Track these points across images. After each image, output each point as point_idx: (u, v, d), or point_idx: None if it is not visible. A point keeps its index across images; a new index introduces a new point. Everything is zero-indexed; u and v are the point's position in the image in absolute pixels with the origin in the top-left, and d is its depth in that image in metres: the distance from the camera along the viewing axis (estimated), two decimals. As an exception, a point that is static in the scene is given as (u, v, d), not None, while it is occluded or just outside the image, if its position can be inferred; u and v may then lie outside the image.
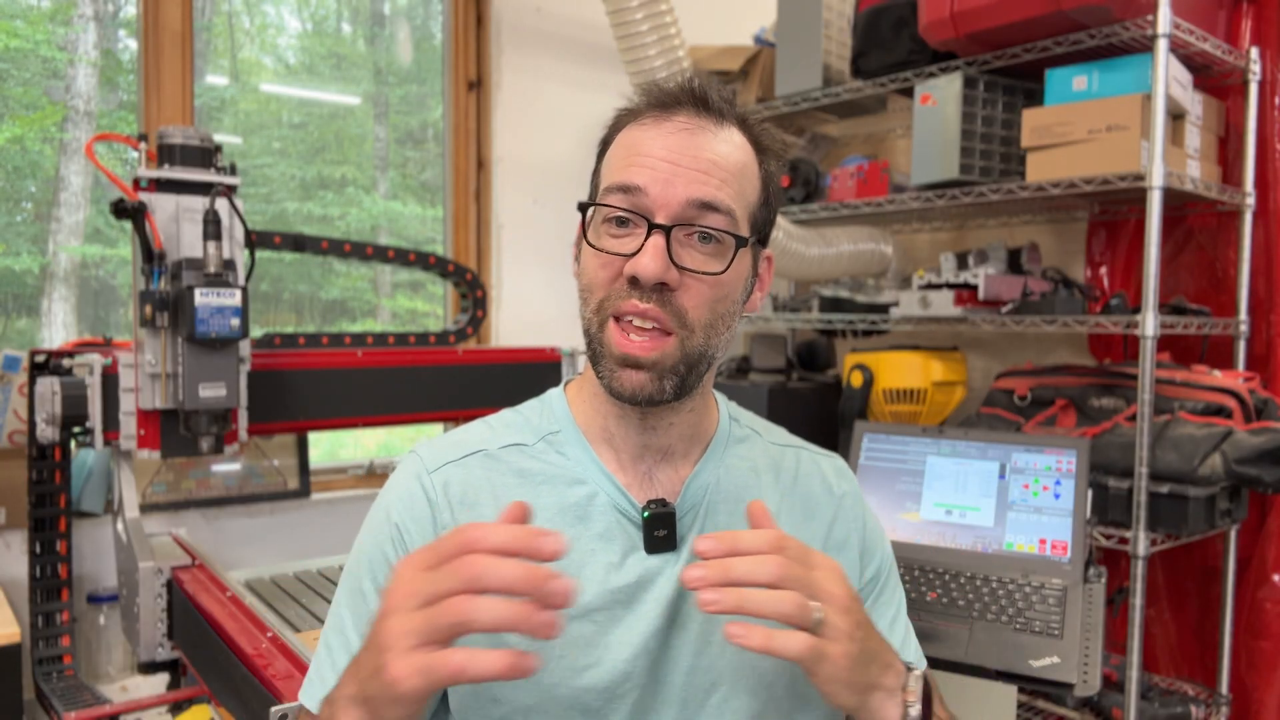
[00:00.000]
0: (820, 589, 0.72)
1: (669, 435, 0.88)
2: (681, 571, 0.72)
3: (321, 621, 1.40)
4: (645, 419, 0.86)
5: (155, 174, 1.58)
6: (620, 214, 0.81)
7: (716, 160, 0.81)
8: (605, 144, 0.88)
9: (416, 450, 0.89)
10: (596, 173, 0.88)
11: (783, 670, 0.85)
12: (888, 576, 0.98)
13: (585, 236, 0.85)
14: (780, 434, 1.01)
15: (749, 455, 0.94)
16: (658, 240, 0.78)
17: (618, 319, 0.81)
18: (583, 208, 0.85)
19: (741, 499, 0.89)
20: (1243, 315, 1.92)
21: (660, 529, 0.84)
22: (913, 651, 0.97)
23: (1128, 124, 1.69)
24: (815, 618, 0.69)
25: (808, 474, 0.96)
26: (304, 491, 2.21)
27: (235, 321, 1.55)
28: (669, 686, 0.83)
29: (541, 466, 0.87)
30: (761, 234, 0.88)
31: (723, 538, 0.70)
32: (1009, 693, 1.51)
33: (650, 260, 0.78)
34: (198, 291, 1.51)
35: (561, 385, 0.95)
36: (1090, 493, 1.62)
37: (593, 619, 0.82)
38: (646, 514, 0.84)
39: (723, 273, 0.81)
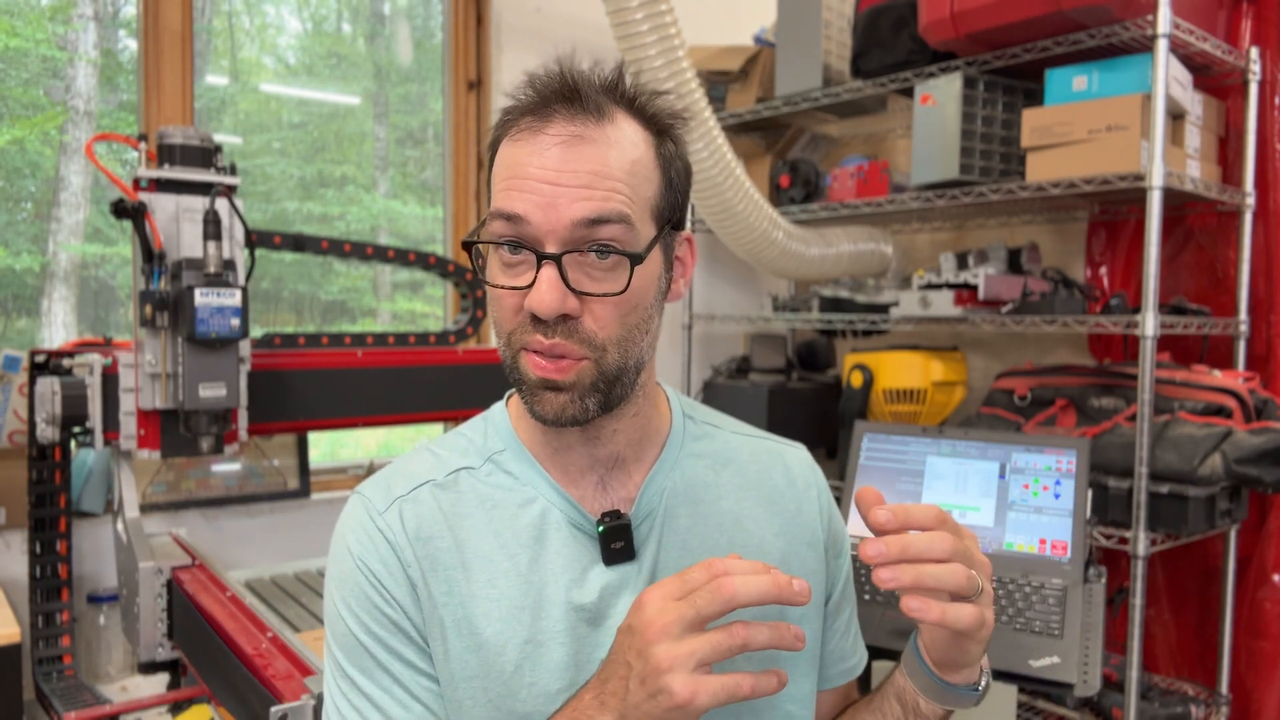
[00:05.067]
0: (974, 559, 0.75)
1: (615, 444, 0.85)
2: (861, 547, 0.71)
3: (320, 620, 1.41)
4: (586, 432, 0.83)
5: (155, 174, 1.58)
6: (507, 242, 0.76)
7: (599, 170, 0.74)
8: (494, 149, 0.81)
9: (361, 492, 0.86)
10: (489, 188, 0.82)
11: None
12: (849, 575, 0.97)
13: (485, 270, 0.79)
14: (740, 425, 0.98)
15: (707, 452, 0.91)
16: (549, 273, 0.73)
17: (528, 350, 0.77)
18: (466, 245, 0.79)
19: (702, 500, 0.87)
20: (1243, 315, 1.92)
21: (617, 541, 0.82)
22: (862, 649, 0.99)
23: (1128, 124, 1.69)
24: (978, 588, 0.73)
25: (769, 467, 0.93)
26: (304, 491, 2.21)
27: (235, 321, 1.55)
28: None
29: (490, 490, 0.84)
30: (672, 219, 0.82)
31: (896, 511, 0.72)
32: (1009, 693, 1.51)
33: (546, 295, 0.73)
34: (198, 291, 1.51)
35: (504, 399, 0.92)
36: (1090, 493, 1.62)
37: (561, 642, 0.80)
38: (601, 528, 0.82)
39: (624, 291, 0.75)
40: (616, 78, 0.79)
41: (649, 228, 0.78)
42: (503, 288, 0.77)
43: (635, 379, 0.81)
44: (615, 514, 0.83)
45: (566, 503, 0.83)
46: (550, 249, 0.74)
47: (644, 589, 0.73)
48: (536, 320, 0.75)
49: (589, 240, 0.74)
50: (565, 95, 0.76)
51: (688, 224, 0.86)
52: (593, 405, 0.78)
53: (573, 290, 0.74)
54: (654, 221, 0.79)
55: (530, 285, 0.74)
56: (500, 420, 0.89)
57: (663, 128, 0.81)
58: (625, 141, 0.77)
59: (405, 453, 0.90)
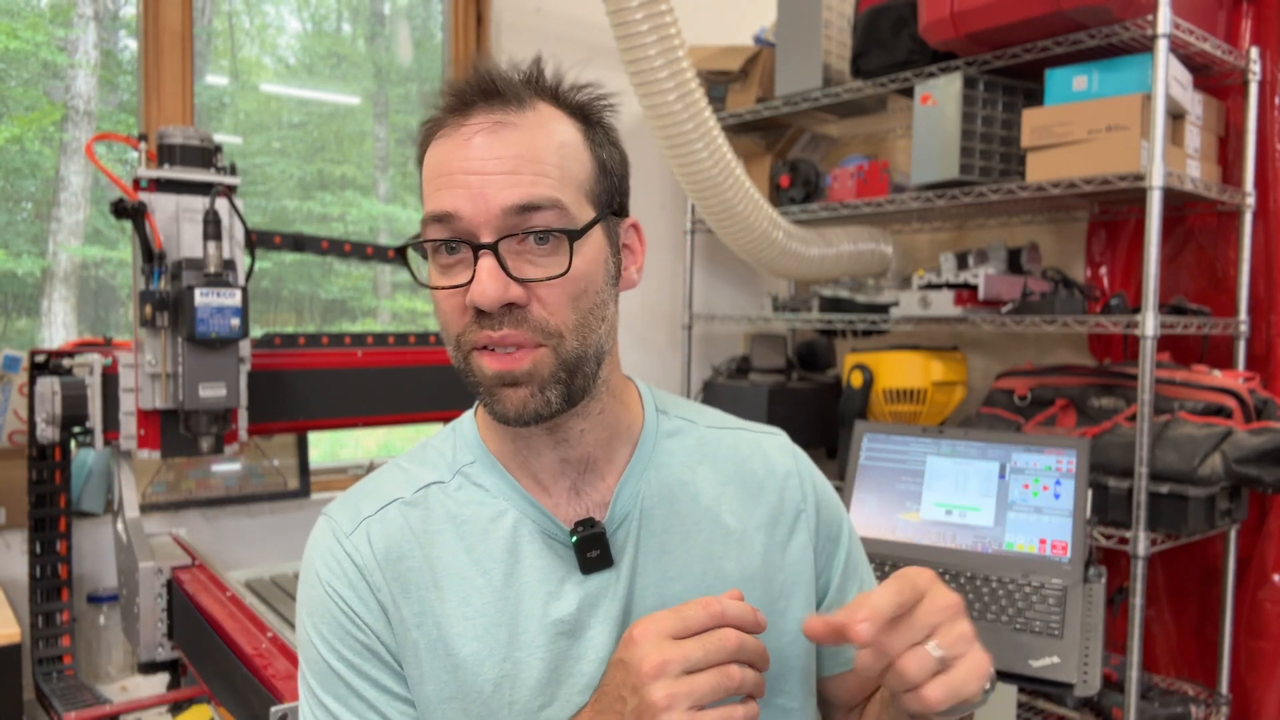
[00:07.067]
0: (929, 619, 0.68)
1: (583, 445, 0.82)
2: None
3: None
4: (553, 434, 0.81)
5: (155, 174, 1.58)
6: (444, 244, 0.75)
7: (524, 153, 0.73)
8: (420, 163, 0.80)
9: (328, 513, 0.83)
10: (421, 197, 0.80)
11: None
12: (852, 555, 0.94)
13: (425, 277, 0.78)
14: (717, 417, 0.95)
15: (681, 449, 0.88)
16: (486, 263, 0.72)
17: (478, 349, 0.76)
18: (400, 251, 0.79)
19: (678, 499, 0.85)
20: (1243, 315, 1.92)
21: (592, 550, 0.80)
22: None
23: (1128, 124, 1.69)
24: (936, 657, 0.67)
25: (748, 456, 0.91)
26: (304, 491, 2.21)
27: (235, 321, 1.55)
28: None
29: (460, 506, 0.82)
30: (612, 204, 0.80)
31: (871, 618, 0.66)
32: (1009, 693, 1.51)
33: (487, 285, 0.71)
34: (198, 291, 1.51)
35: (473, 408, 0.89)
36: (1090, 493, 1.62)
37: (540, 658, 0.78)
38: (575, 539, 0.79)
39: (567, 271, 0.74)
40: (535, 71, 0.78)
41: (586, 210, 0.76)
42: (442, 288, 0.75)
43: (597, 370, 0.79)
44: (589, 522, 0.80)
45: (539, 513, 0.81)
46: (485, 239, 0.73)
47: (635, 622, 0.72)
48: (482, 315, 0.73)
49: (522, 228, 0.73)
50: (484, 90, 0.75)
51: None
52: (555, 398, 0.75)
53: (514, 278, 0.73)
54: (590, 204, 0.77)
55: (471, 281, 0.73)
56: (469, 431, 0.87)
57: (589, 115, 0.80)
58: (550, 125, 0.76)
59: (375, 470, 0.88)
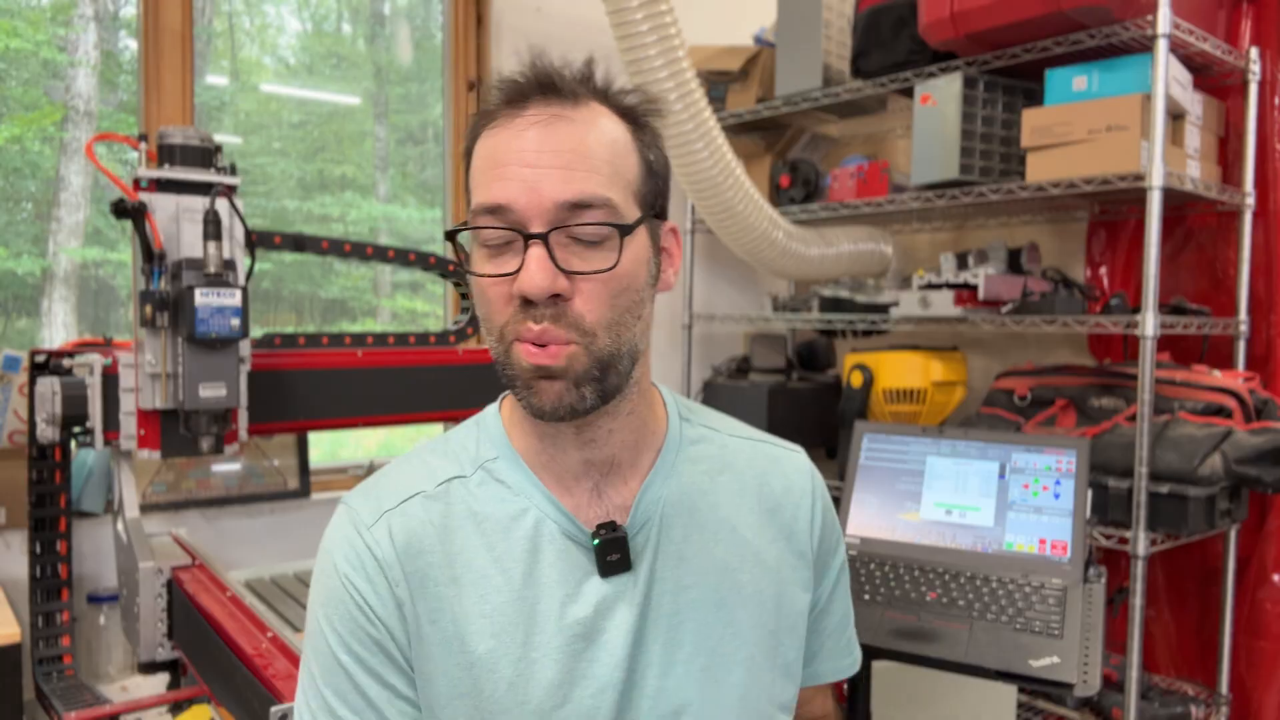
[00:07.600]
0: None
1: (610, 445, 0.82)
2: None
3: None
4: (581, 433, 0.81)
5: (155, 174, 1.58)
6: (494, 234, 0.75)
7: (578, 148, 0.74)
8: (469, 154, 0.80)
9: (348, 503, 0.83)
10: (468, 187, 0.81)
11: (749, 688, 0.84)
12: (840, 576, 0.96)
13: (471, 265, 0.79)
14: (738, 427, 0.96)
15: (703, 456, 0.89)
16: (537, 252, 0.73)
17: (521, 340, 0.76)
18: (450, 235, 0.79)
19: (698, 507, 0.86)
20: (1243, 315, 1.92)
21: (613, 554, 0.80)
22: (857, 651, 1.00)
23: (1128, 124, 1.69)
24: None
25: (766, 471, 0.92)
26: (304, 491, 2.21)
27: (235, 321, 1.55)
28: (637, 713, 0.80)
29: (481, 503, 0.82)
30: (654, 207, 0.81)
31: None
32: (1009, 693, 1.51)
33: (536, 273, 0.72)
34: (198, 291, 1.51)
35: (498, 402, 0.89)
36: (1090, 493, 1.62)
37: (555, 659, 0.78)
38: (596, 542, 0.80)
39: (615, 266, 0.74)
40: (588, 71, 0.79)
41: (633, 210, 0.78)
42: (490, 276, 0.76)
43: (630, 368, 0.79)
44: (610, 525, 0.81)
45: (560, 514, 0.81)
46: (536, 229, 0.73)
47: None
48: (526, 305, 0.74)
49: (572, 221, 0.74)
50: (540, 85, 0.76)
51: (671, 216, 0.86)
52: (590, 394, 0.76)
53: (562, 270, 0.73)
54: (637, 204, 0.78)
55: (518, 271, 0.73)
56: (493, 425, 0.86)
57: (637, 117, 0.81)
58: (602, 123, 0.77)
59: (397, 458, 0.88)
